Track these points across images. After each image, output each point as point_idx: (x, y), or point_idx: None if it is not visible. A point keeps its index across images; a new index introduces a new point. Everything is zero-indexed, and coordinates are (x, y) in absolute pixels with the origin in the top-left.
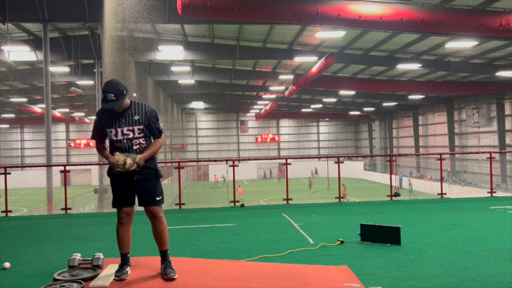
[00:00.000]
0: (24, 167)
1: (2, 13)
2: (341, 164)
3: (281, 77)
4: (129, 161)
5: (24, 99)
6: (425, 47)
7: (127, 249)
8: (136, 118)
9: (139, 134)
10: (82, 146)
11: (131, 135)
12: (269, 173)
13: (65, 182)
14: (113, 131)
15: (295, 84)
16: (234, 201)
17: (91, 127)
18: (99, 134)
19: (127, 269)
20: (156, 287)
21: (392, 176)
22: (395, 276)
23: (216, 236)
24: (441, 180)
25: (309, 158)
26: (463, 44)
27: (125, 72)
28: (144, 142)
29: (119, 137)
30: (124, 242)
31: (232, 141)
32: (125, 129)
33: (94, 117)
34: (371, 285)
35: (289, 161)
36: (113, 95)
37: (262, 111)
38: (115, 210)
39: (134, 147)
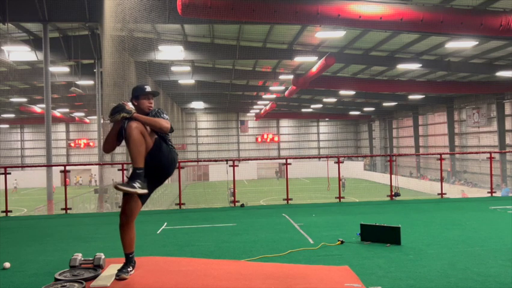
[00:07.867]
0: (24, 167)
1: (2, 13)
2: (341, 164)
3: (281, 77)
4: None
5: (24, 99)
6: (425, 47)
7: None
8: None
9: None
10: (82, 146)
11: None
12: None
13: (65, 182)
14: None
15: (295, 84)
16: (234, 201)
17: (91, 127)
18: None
19: (129, 269)
20: (156, 287)
21: (392, 176)
22: (395, 276)
23: (216, 236)
24: (441, 180)
25: (309, 158)
26: (463, 44)
27: (125, 72)
28: None
29: None
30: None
31: (232, 141)
32: None
33: (94, 117)
34: (371, 285)
35: (289, 160)
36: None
37: (262, 111)
38: (114, 210)
39: None
